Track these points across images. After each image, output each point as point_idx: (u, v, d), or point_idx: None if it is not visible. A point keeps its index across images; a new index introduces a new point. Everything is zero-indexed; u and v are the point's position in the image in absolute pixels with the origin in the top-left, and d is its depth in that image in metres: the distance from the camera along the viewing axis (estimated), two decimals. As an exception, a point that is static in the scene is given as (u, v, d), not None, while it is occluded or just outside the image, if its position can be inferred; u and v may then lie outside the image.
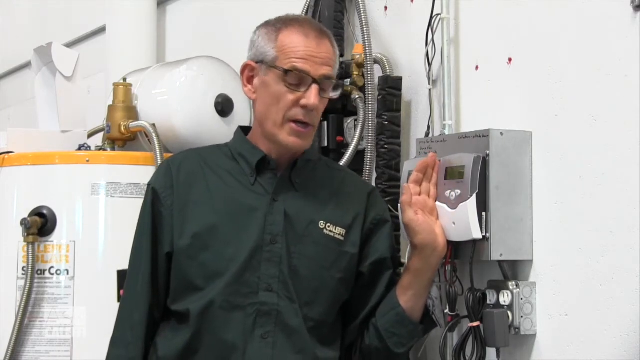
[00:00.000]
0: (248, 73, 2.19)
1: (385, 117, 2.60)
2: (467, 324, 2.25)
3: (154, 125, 3.07)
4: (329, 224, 2.16)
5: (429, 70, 2.52)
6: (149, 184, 2.21)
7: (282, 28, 2.13)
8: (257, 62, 2.16)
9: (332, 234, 2.16)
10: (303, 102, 2.09)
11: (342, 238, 2.17)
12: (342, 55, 2.78)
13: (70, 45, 4.35)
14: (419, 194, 2.23)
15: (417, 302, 2.20)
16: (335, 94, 2.17)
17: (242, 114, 3.20)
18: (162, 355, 2.12)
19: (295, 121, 2.10)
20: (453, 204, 2.21)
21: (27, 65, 4.73)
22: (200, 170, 2.18)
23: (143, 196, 2.25)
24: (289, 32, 2.12)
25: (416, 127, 2.63)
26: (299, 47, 2.09)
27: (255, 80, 2.17)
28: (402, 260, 2.53)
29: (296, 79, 2.09)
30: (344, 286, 2.19)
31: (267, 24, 2.18)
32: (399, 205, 2.26)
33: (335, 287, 2.17)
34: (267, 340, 2.09)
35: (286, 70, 2.08)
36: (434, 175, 2.25)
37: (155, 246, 2.16)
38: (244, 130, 2.27)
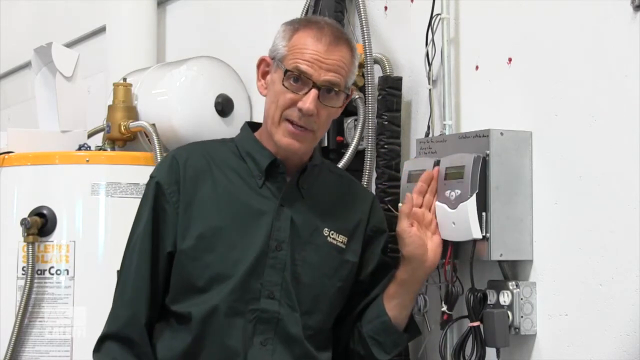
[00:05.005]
0: (263, 68, 2.14)
1: (385, 117, 2.60)
2: (466, 324, 2.25)
3: (154, 125, 3.07)
4: (332, 232, 2.15)
5: (429, 70, 2.52)
6: (152, 177, 2.14)
7: (299, 28, 2.09)
8: (271, 58, 2.12)
9: (335, 242, 2.15)
10: (299, 105, 2.05)
11: (343, 246, 2.17)
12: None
13: (70, 45, 4.35)
14: (420, 206, 2.22)
15: (402, 312, 2.20)
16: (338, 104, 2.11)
17: (242, 114, 3.20)
18: (161, 357, 2.09)
19: (292, 122, 2.07)
20: (453, 204, 2.21)
21: (27, 65, 4.73)
22: (207, 167, 2.13)
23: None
24: (303, 33, 2.08)
25: (416, 127, 2.62)
26: (307, 49, 2.05)
27: (268, 77, 2.13)
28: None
29: (297, 80, 2.06)
30: (342, 295, 2.19)
31: (290, 22, 2.14)
32: (399, 206, 2.26)
33: (334, 295, 2.17)
34: (267, 347, 2.07)
35: (287, 70, 2.06)
36: (435, 189, 2.25)
37: (155, 242, 2.10)
38: (252, 126, 2.23)
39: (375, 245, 2.24)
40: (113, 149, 3.19)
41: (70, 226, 2.91)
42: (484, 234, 2.18)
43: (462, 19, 2.47)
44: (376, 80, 2.64)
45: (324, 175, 2.22)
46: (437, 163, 2.30)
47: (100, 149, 3.19)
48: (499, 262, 2.24)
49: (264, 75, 2.15)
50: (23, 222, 2.85)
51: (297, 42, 2.07)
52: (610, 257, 2.07)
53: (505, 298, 2.21)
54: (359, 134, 2.64)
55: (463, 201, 2.19)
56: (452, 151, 2.29)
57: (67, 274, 2.86)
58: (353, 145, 2.64)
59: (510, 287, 2.21)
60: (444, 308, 2.28)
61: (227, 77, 3.23)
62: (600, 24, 2.11)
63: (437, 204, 2.25)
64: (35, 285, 2.85)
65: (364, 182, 2.60)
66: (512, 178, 2.22)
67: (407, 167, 2.42)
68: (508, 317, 2.19)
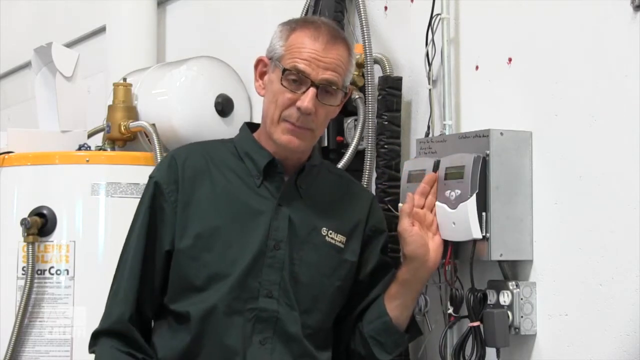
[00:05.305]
0: (261, 68, 2.15)
1: (385, 117, 2.60)
2: (466, 324, 2.26)
3: (154, 125, 3.07)
4: (330, 231, 2.15)
5: (429, 70, 2.52)
6: (151, 177, 2.15)
7: (296, 28, 2.10)
8: (269, 59, 2.13)
9: (333, 241, 2.16)
10: (297, 104, 2.06)
11: (342, 246, 2.17)
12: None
13: (70, 45, 4.35)
14: (422, 207, 2.23)
15: (403, 312, 2.20)
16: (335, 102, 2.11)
17: (242, 114, 3.20)
18: (161, 356, 2.10)
19: (290, 122, 2.08)
20: (453, 204, 2.21)
21: (27, 65, 4.73)
22: (205, 166, 2.14)
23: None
24: (300, 32, 2.08)
25: (416, 127, 2.63)
26: (305, 48, 2.06)
27: (266, 77, 2.14)
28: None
29: (295, 79, 2.06)
30: (342, 294, 2.19)
31: (287, 22, 2.15)
32: (399, 206, 2.27)
33: (333, 294, 2.17)
34: (266, 346, 2.07)
35: (284, 69, 2.06)
36: (436, 191, 2.26)
37: (150, 241, 2.10)
38: (250, 126, 2.23)
39: (374, 245, 2.24)
40: (113, 149, 3.19)
41: (70, 226, 2.91)
42: (484, 234, 2.18)
43: (462, 19, 2.48)
44: (376, 80, 2.64)
45: (323, 175, 2.23)
46: (437, 163, 2.30)
47: (100, 149, 3.19)
48: (499, 262, 2.24)
49: (261, 75, 2.16)
50: (23, 222, 2.85)
51: (294, 41, 2.08)
52: (610, 257, 2.07)
53: (505, 298, 2.21)
54: (359, 134, 2.64)
55: (463, 201, 2.19)
56: (452, 151, 2.29)
57: (67, 274, 2.86)
58: (353, 145, 2.64)
59: (510, 287, 2.21)
60: (450, 310, 2.28)
61: (227, 77, 3.23)
62: (600, 24, 2.11)
63: (437, 204, 2.25)
64: (35, 285, 2.85)
65: (364, 182, 2.60)
66: (512, 178, 2.22)
67: (407, 167, 2.42)
68: (508, 317, 2.19)
